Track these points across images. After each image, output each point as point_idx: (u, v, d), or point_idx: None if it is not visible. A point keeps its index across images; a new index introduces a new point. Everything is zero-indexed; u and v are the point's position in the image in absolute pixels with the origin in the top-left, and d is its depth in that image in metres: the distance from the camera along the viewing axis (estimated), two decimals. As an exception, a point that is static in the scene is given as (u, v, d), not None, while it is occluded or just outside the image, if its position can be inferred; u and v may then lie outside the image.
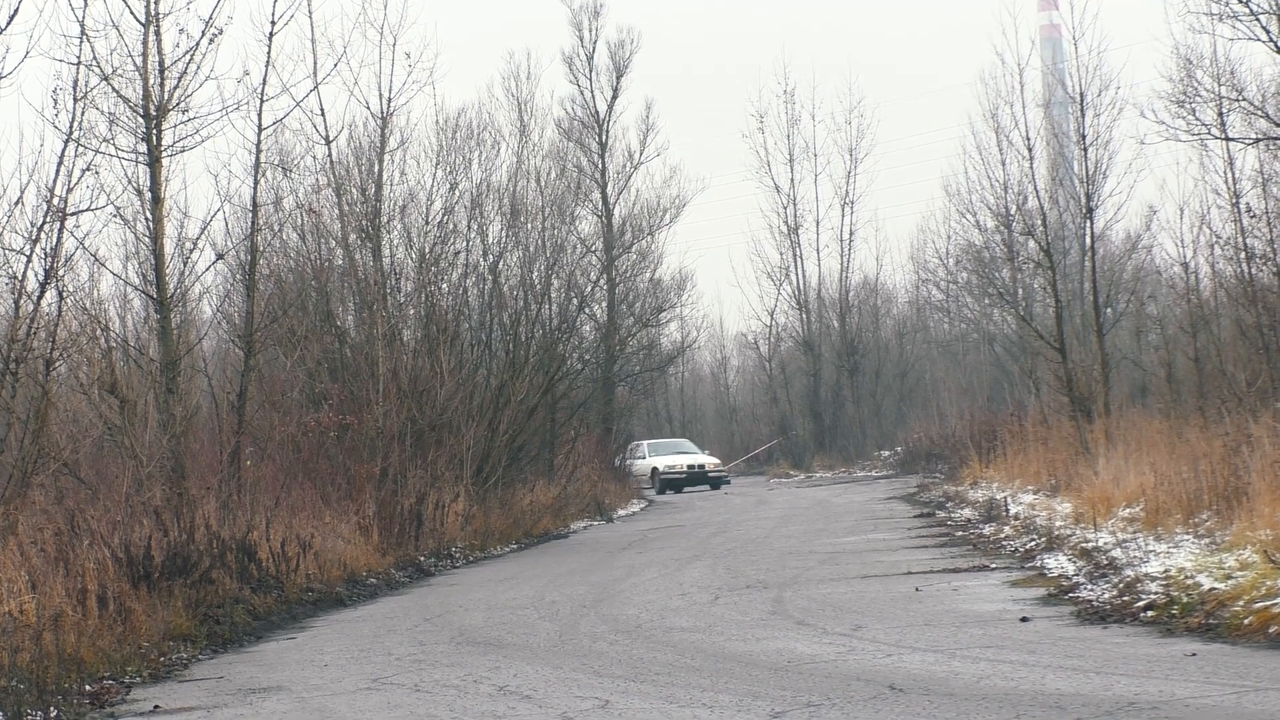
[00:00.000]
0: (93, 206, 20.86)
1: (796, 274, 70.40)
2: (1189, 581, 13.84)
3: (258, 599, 19.66)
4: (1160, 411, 27.94)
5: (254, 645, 17.19)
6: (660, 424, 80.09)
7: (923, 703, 10.02)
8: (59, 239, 19.85)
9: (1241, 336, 25.80)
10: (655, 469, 55.34)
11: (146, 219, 23.15)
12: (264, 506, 22.87)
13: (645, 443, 59.21)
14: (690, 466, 55.16)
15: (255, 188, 25.57)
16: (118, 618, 15.98)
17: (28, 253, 19.61)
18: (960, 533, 25.38)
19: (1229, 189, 26.69)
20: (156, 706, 12.81)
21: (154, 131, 22.65)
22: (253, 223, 25.76)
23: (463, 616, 18.19)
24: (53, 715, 12.25)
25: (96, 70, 21.70)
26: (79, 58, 20.97)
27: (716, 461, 56.93)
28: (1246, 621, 12.08)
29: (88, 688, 13.59)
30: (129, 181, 22.92)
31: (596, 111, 60.03)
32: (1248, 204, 26.25)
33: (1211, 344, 27.27)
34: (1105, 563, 17.06)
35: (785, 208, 70.21)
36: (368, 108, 37.32)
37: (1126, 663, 11.19)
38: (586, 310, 50.44)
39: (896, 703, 10.09)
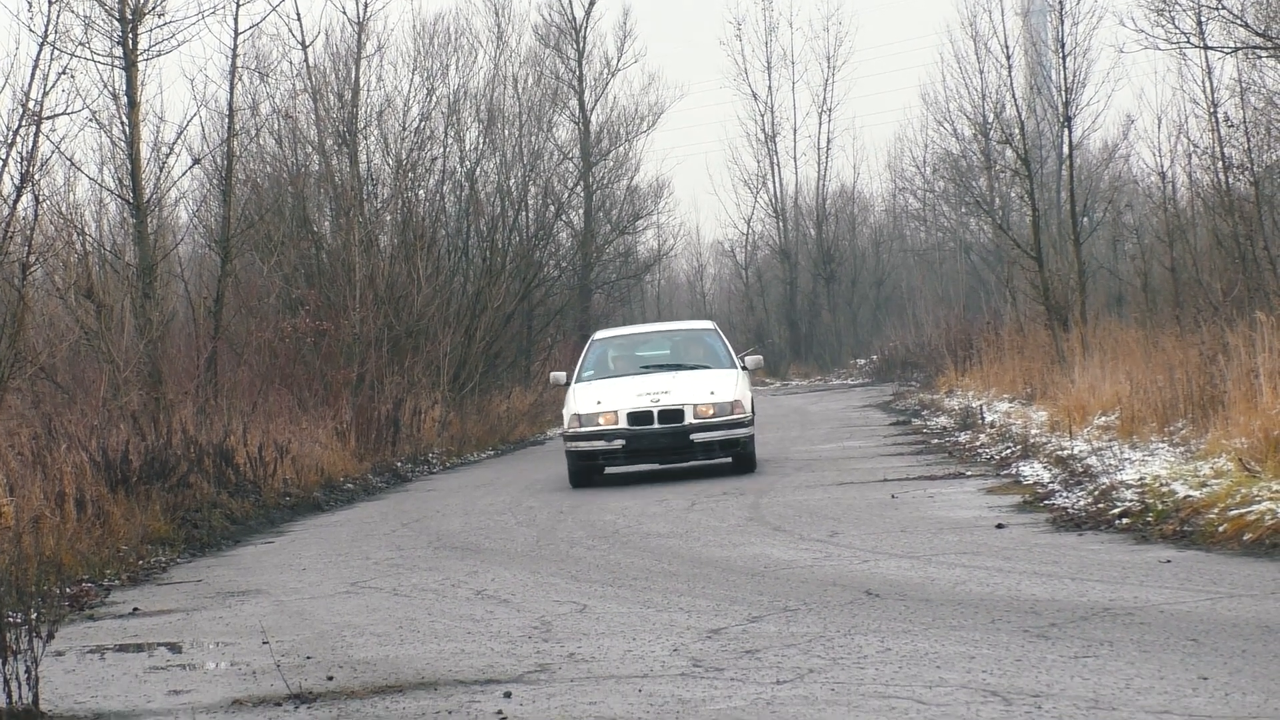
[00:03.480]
0: (68, 110, 20.77)
1: (773, 182, 70.26)
2: (1164, 489, 13.91)
3: (235, 503, 19.69)
4: (1136, 320, 27.99)
5: (232, 549, 17.23)
6: (636, 331, 79.85)
7: (899, 608, 10.08)
8: (35, 143, 19.75)
9: (1218, 246, 25.80)
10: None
11: (122, 123, 23.06)
12: (241, 412, 22.90)
13: (602, 337, 25.36)
14: (637, 412, 21.60)
15: (231, 93, 25.52)
16: (96, 521, 16.01)
17: (3, 156, 19.51)
18: (936, 440, 25.48)
19: (1207, 98, 26.63)
20: (136, 609, 12.84)
21: (130, 35, 22.51)
22: (229, 128, 25.69)
23: (440, 522, 18.24)
24: (33, 617, 12.26)
25: (72, -28, 21.54)
26: (53, -41, 20.80)
27: (725, 398, 21.83)
28: (1221, 529, 12.15)
29: (67, 590, 13.61)
30: (105, 86, 22.85)
31: (574, 17, 59.60)
32: (1225, 113, 26.21)
33: (1188, 253, 27.27)
34: (1080, 470, 17.14)
35: (762, 115, 69.97)
36: (344, 13, 37.19)
37: (1101, 569, 11.25)
38: (563, 217, 50.38)
39: (873, 608, 10.15)
